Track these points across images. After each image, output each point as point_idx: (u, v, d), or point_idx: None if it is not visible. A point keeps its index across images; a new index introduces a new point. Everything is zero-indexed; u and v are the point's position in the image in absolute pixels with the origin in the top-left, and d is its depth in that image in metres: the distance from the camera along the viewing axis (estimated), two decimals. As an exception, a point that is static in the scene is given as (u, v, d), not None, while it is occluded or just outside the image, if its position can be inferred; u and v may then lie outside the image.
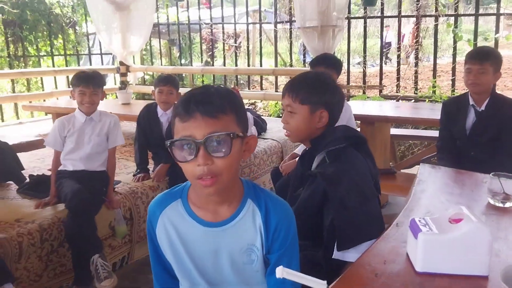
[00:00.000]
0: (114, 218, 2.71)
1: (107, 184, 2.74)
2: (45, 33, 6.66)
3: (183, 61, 7.72)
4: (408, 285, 1.06)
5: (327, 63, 2.91)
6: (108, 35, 5.94)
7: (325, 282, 0.94)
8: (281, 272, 0.93)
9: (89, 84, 2.67)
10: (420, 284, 1.06)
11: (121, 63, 6.17)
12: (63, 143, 2.72)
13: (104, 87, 2.87)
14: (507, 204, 1.54)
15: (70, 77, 6.87)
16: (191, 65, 7.55)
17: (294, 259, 1.20)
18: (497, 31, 4.84)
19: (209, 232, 1.17)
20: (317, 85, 1.65)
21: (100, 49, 7.22)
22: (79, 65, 7.24)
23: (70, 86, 2.74)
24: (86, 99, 2.67)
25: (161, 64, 8.02)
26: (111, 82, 7.46)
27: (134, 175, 3.18)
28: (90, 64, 7.21)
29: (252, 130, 3.94)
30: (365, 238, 1.44)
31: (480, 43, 5.02)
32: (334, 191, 1.51)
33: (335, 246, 1.46)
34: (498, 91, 2.94)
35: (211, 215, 1.17)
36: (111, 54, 7.48)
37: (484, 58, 2.43)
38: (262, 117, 4.78)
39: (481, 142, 2.49)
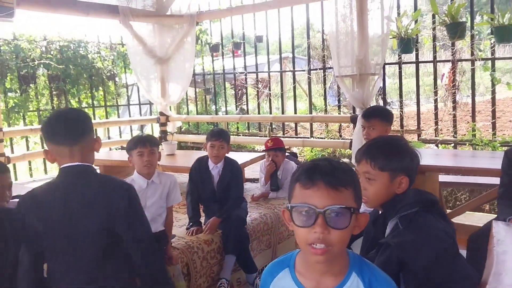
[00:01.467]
0: (173, 274, 2.72)
1: (167, 242, 2.77)
2: (86, 85, 6.95)
3: (215, 106, 7.93)
4: None
5: (383, 116, 2.95)
6: (148, 86, 6.15)
7: None
8: None
9: (146, 143, 2.70)
10: None
11: (161, 113, 6.35)
12: None
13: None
14: None
15: (111, 128, 7.18)
16: (225, 110, 7.73)
17: None
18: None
19: None
20: (396, 151, 1.67)
21: (139, 99, 7.47)
22: (118, 116, 7.49)
23: (126, 152, 2.77)
24: (145, 158, 2.68)
25: (197, 112, 8.20)
26: (149, 131, 7.66)
27: (187, 229, 3.23)
28: (130, 115, 7.43)
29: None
30: None
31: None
32: (413, 262, 1.50)
33: None
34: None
35: (316, 284, 1.19)
36: (148, 104, 7.72)
37: None
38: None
39: None
